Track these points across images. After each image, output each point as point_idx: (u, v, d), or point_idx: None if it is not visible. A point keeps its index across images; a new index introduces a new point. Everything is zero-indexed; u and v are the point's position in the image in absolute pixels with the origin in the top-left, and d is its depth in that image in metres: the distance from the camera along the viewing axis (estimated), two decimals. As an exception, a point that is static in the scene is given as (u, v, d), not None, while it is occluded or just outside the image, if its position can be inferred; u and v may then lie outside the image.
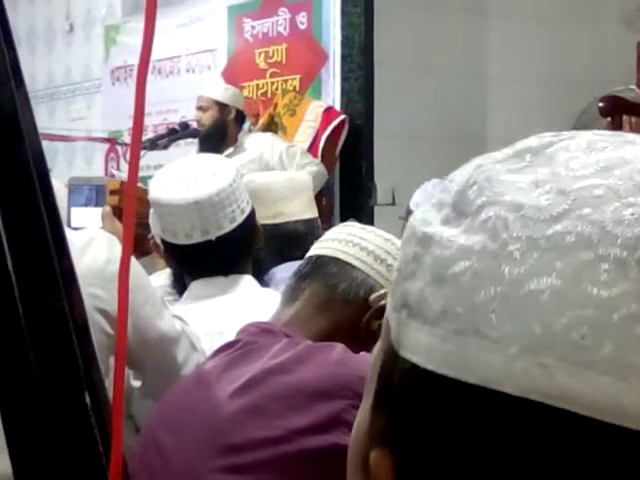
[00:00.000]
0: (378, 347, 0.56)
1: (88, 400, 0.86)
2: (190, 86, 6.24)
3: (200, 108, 5.52)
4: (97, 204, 2.08)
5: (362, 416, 0.57)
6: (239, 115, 5.57)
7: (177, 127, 5.64)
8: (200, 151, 5.16)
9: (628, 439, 0.46)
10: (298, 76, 5.99)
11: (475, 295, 0.49)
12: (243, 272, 2.16)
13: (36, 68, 7.75)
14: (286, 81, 6.05)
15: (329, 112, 5.65)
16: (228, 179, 2.10)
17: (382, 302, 1.56)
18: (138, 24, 5.76)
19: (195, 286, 2.15)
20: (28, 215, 0.87)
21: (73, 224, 2.03)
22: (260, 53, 6.21)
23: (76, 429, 0.86)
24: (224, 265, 2.13)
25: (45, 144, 0.92)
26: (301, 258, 1.77)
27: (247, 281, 2.16)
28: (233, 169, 2.16)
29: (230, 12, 6.40)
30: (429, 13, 5.72)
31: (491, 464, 0.48)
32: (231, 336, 1.70)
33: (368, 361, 0.58)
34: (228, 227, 2.10)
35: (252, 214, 2.18)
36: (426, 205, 0.55)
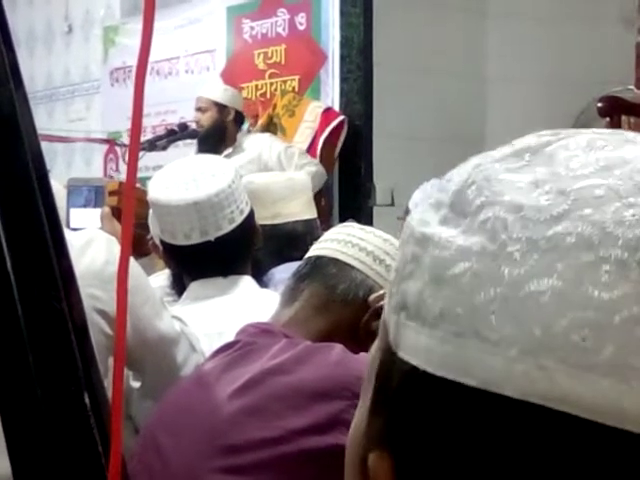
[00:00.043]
0: (375, 347, 0.56)
1: (87, 401, 0.86)
2: (189, 87, 6.24)
3: (199, 109, 5.52)
4: (96, 205, 2.08)
5: (359, 417, 0.56)
6: (238, 116, 5.56)
7: (176, 128, 5.63)
8: (199, 152, 5.15)
9: (629, 442, 0.46)
10: (297, 77, 5.99)
11: (475, 296, 0.49)
12: (242, 273, 2.16)
13: (35, 69, 7.75)
14: (285, 82, 6.04)
15: (328, 113, 5.64)
16: (227, 180, 2.10)
17: (381, 303, 1.55)
18: (137, 25, 5.75)
19: (194, 287, 2.15)
20: (27, 216, 0.87)
21: (72, 225, 2.03)
22: (259, 54, 6.21)
23: (75, 430, 0.86)
24: (223, 266, 2.13)
25: (44, 145, 0.91)
26: (300, 259, 1.77)
27: (246, 282, 2.16)
28: (232, 170, 2.16)
29: (229, 13, 6.40)
30: (428, 13, 5.71)
31: (491, 467, 0.48)
32: (230, 337, 1.70)
33: (367, 361, 0.58)
34: (227, 228, 2.10)
35: (251, 215, 2.17)
36: (424, 205, 0.54)
